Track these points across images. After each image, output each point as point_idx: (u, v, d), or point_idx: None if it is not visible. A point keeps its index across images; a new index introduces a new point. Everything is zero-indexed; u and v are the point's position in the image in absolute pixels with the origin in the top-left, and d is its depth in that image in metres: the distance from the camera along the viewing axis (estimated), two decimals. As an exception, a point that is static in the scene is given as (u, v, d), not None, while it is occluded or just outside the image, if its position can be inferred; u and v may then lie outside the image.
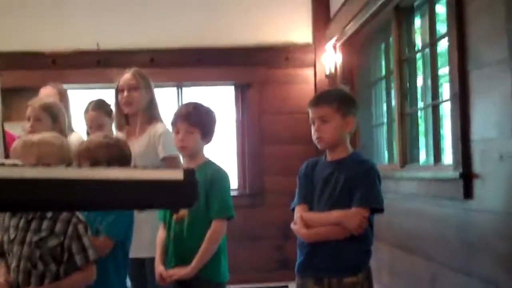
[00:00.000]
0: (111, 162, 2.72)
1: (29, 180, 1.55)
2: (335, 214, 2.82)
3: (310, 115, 2.94)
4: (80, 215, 2.71)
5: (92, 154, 2.91)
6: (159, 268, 3.13)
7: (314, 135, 2.92)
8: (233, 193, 3.23)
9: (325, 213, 2.86)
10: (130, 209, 2.59)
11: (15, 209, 2.28)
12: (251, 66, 5.98)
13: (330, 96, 2.99)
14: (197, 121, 3.16)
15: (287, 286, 5.57)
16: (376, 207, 2.85)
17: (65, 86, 4.77)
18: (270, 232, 5.82)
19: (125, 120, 3.93)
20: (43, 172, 1.58)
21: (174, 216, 3.11)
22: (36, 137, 2.80)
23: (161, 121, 3.94)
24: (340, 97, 2.97)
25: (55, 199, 1.60)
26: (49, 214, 2.64)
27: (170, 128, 3.40)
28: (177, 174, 1.69)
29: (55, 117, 3.72)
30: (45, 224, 2.63)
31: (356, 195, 2.80)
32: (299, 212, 2.94)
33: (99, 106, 4.22)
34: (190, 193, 1.71)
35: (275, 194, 5.75)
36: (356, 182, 2.82)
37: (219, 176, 3.17)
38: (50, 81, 4.68)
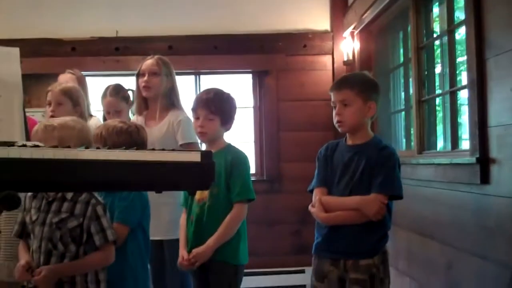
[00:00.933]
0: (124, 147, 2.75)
1: (50, 161, 1.58)
2: (354, 200, 2.84)
3: (332, 98, 2.95)
4: (99, 197, 2.76)
5: (105, 140, 2.96)
6: (182, 252, 3.17)
7: (335, 119, 2.93)
8: (253, 184, 3.26)
9: (344, 198, 2.87)
10: (148, 190, 2.62)
11: (37, 189, 2.33)
12: (269, 54, 5.97)
13: (352, 80, 3.00)
14: (218, 108, 3.19)
15: (303, 271, 5.59)
16: (395, 194, 2.86)
17: (83, 72, 4.81)
18: (287, 217, 5.83)
19: (144, 105, 3.98)
20: (63, 153, 1.62)
21: (196, 199, 3.14)
22: (57, 121, 2.84)
23: (181, 108, 3.98)
24: (362, 82, 2.98)
25: (75, 179, 1.64)
26: (69, 196, 2.69)
27: (190, 114, 3.43)
28: (194, 156, 1.73)
29: (75, 101, 3.75)
30: (65, 206, 2.68)
31: (376, 181, 2.82)
32: (318, 195, 2.95)
33: (117, 91, 4.25)
34: (207, 175, 1.74)
35: (293, 180, 5.76)
36: (376, 168, 2.84)
37: (239, 159, 3.20)
38: (69, 67, 4.73)
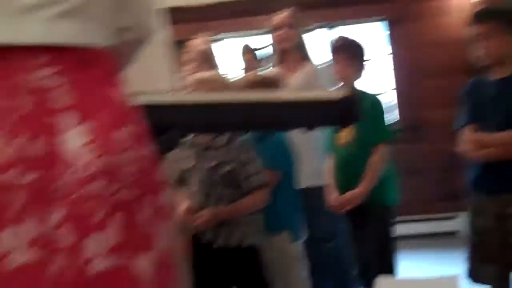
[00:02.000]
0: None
1: (205, 104, 1.67)
2: (509, 135, 2.73)
3: (473, 32, 2.85)
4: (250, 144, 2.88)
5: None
6: (333, 195, 3.23)
7: (477, 53, 2.83)
8: (392, 128, 3.28)
9: (497, 134, 2.77)
10: (299, 128, 2.67)
11: (196, 131, 2.46)
12: (403, 1, 5.91)
13: (493, 11, 2.91)
14: (353, 53, 3.23)
15: (454, 217, 5.53)
16: None
17: (217, 36, 4.92)
18: (432, 164, 5.77)
19: (280, 58, 4.05)
20: (216, 96, 1.70)
21: (339, 143, 3.20)
22: (206, 74, 2.99)
23: (312, 60, 4.03)
24: (503, 12, 2.87)
25: (229, 120, 1.72)
26: (222, 143, 2.82)
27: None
28: (338, 94, 1.77)
29: (211, 60, 3.90)
30: (218, 152, 2.82)
31: None
32: (468, 133, 2.87)
33: (252, 50, 4.36)
34: (352, 111, 1.78)
35: (435, 126, 5.65)
36: None
37: (374, 103, 3.24)
38: (200, 32, 4.86)
